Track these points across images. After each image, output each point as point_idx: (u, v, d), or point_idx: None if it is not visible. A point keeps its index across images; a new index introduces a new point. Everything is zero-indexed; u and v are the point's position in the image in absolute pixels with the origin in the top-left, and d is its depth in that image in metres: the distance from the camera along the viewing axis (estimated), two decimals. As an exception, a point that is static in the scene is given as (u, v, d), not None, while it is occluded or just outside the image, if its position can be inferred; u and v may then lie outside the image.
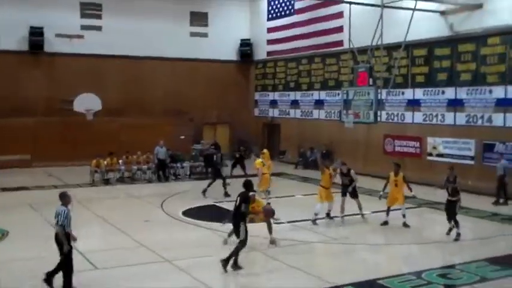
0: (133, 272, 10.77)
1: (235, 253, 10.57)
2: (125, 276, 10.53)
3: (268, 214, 12.46)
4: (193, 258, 11.51)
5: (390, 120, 23.16)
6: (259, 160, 18.17)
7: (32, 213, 16.11)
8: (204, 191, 18.52)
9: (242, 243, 10.72)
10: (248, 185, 11.27)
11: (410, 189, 14.72)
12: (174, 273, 10.72)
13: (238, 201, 11.06)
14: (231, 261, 10.53)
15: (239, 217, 10.88)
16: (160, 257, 11.57)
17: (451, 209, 13.23)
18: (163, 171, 22.91)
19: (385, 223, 14.57)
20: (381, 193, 14.78)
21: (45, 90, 27.40)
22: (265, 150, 19.54)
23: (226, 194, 18.11)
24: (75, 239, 9.67)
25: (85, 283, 10.02)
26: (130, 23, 29.00)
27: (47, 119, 26.76)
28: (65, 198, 9.59)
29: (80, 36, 28.41)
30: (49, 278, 9.41)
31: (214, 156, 21.26)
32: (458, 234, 13.00)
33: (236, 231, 11.03)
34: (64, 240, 9.30)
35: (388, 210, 14.63)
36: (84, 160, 23.84)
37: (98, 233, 14.52)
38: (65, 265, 9.39)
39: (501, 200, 17.91)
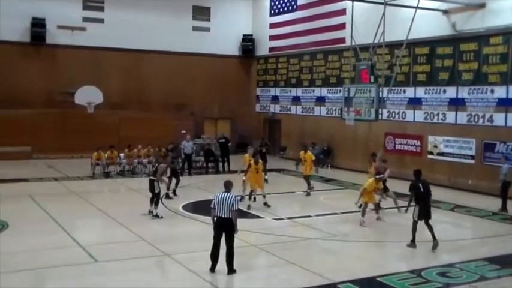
0: (133, 265, 10.78)
1: None
2: (124, 269, 10.55)
3: None
4: (192, 252, 11.53)
5: (391, 118, 23.14)
6: (247, 155, 18.09)
7: (32, 204, 16.11)
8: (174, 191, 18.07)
9: None
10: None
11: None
12: (173, 267, 10.74)
13: None
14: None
15: None
16: (159, 251, 11.58)
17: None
18: (189, 166, 22.94)
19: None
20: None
21: (46, 82, 27.38)
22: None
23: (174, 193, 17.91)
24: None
25: (85, 276, 10.06)
26: (133, 16, 28.96)
27: (47, 110, 26.77)
28: (230, 186, 10.47)
29: (82, 29, 28.37)
30: (230, 266, 10.03)
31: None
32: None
33: None
34: (236, 223, 10.03)
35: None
36: (84, 152, 23.89)
37: (98, 226, 14.55)
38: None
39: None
